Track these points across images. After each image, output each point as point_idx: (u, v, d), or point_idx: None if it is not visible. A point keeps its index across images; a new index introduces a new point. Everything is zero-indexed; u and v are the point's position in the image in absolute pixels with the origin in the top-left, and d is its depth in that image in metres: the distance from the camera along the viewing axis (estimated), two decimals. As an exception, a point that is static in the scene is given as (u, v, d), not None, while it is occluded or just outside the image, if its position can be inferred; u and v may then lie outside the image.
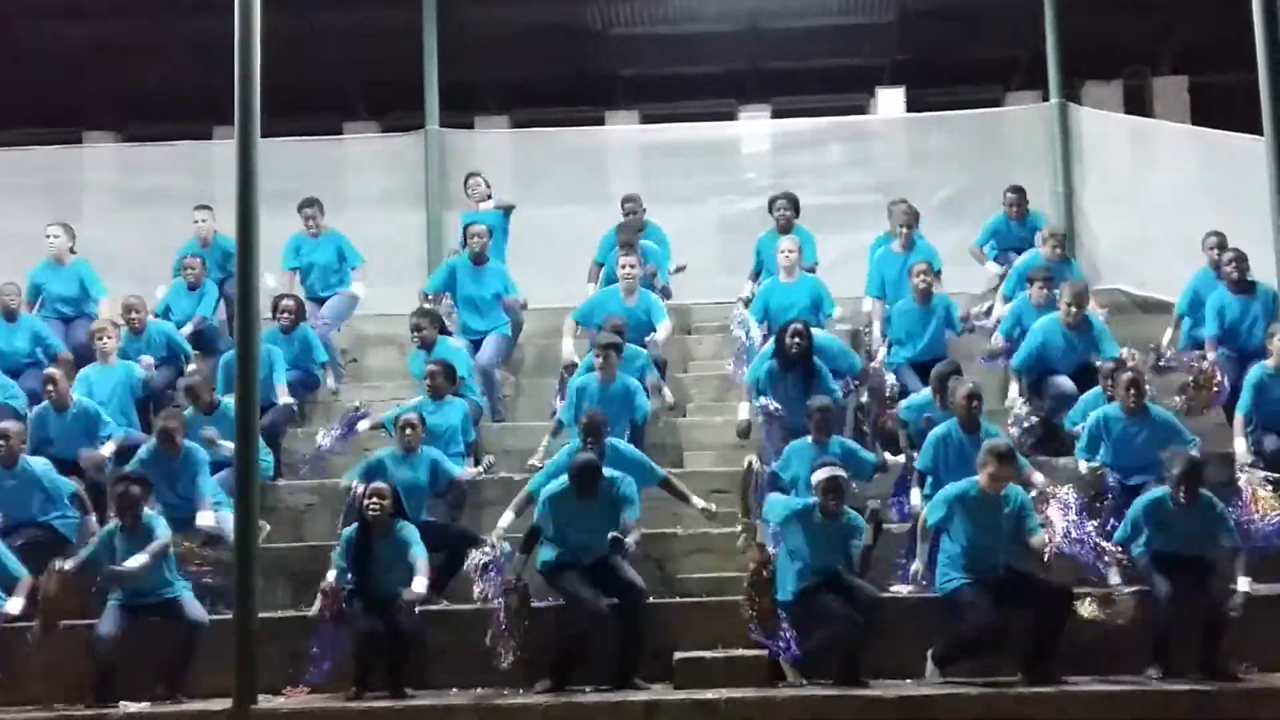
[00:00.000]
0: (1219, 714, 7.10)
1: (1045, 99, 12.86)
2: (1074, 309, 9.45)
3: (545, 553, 7.90)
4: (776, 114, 15.40)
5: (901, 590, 8.26)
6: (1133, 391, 8.45)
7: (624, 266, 10.39)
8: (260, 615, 7.48)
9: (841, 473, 7.83)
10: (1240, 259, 9.61)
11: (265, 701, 7.42)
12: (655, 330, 10.17)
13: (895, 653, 7.67)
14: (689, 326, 11.61)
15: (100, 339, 9.95)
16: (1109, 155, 12.47)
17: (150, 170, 12.79)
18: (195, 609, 7.95)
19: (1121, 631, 7.50)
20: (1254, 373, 8.94)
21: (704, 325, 11.74)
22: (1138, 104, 15.19)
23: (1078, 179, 12.38)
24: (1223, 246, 9.94)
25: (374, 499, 7.87)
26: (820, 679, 7.54)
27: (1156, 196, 11.76)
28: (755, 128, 14.45)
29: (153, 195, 12.26)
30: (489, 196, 11.43)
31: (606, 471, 7.97)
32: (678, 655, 7.68)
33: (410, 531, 7.91)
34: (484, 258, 10.61)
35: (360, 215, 11.74)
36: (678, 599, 8.31)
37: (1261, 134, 7.65)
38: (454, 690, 7.73)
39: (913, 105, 15.12)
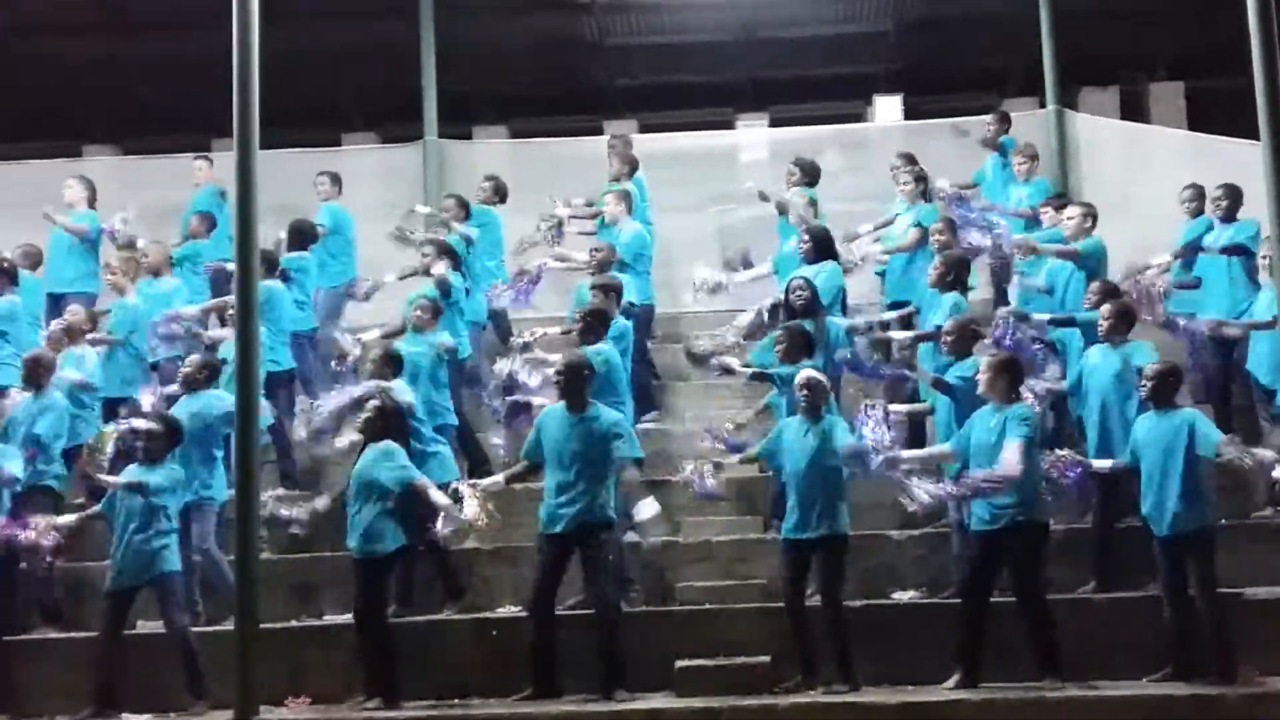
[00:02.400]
0: (1222, 717, 7.07)
1: (1042, 105, 12.91)
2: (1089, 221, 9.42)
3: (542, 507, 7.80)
4: (774, 122, 15.45)
5: (902, 597, 8.29)
6: (1111, 321, 8.26)
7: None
8: (261, 626, 7.48)
9: (817, 375, 7.83)
10: (1230, 193, 9.52)
11: (266, 713, 7.42)
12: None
13: (896, 659, 7.68)
14: (684, 335, 11.60)
15: (109, 274, 10.08)
16: (1106, 161, 12.53)
17: (150, 184, 12.80)
18: (177, 607, 7.86)
19: (1125, 634, 7.53)
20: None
21: (701, 334, 11.72)
22: (1134, 110, 15.22)
23: (1074, 185, 12.41)
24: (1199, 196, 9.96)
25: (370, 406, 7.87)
26: (822, 684, 7.54)
27: (1153, 202, 11.77)
28: (753, 136, 14.50)
29: (153, 208, 12.25)
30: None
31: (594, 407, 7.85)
32: (679, 664, 7.67)
33: (398, 453, 7.73)
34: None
35: (359, 227, 11.73)
36: (679, 607, 8.33)
37: (1258, 139, 7.66)
38: (453, 701, 7.77)
39: (910, 113, 15.15)
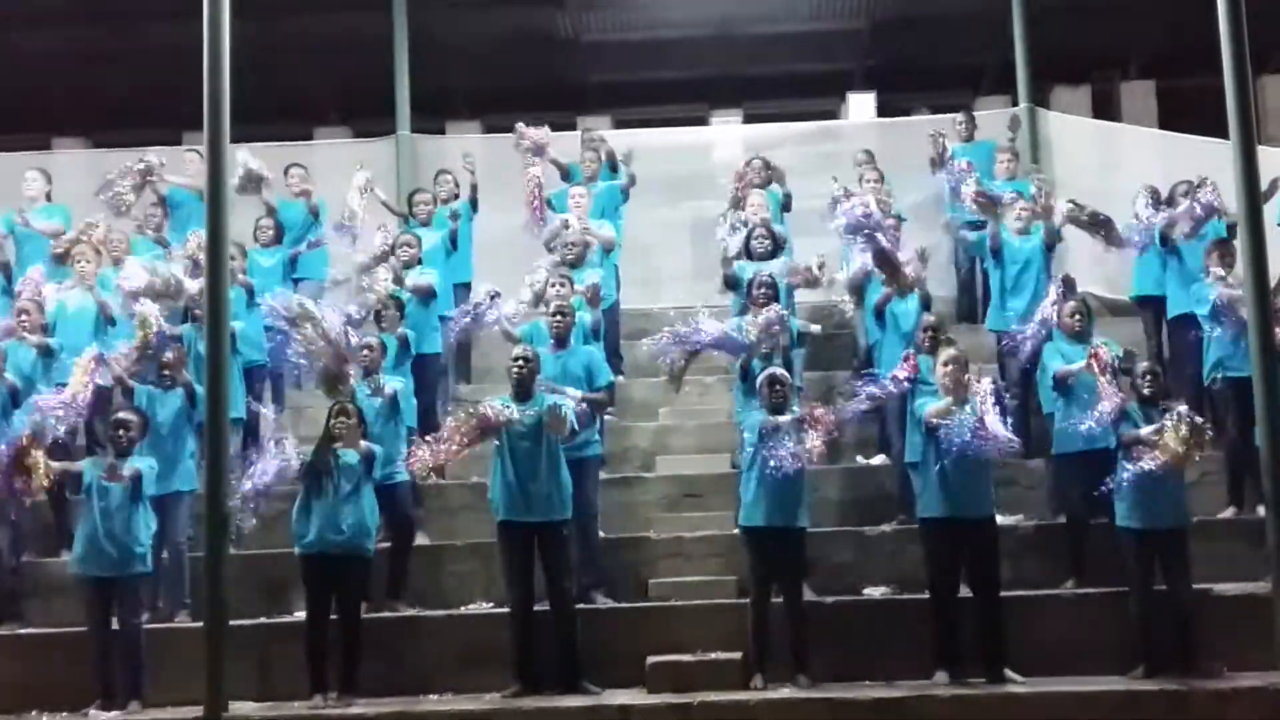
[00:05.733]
0: (1191, 714, 7.11)
1: (1014, 103, 12.94)
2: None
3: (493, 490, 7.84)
4: (748, 119, 15.45)
5: (874, 593, 8.30)
6: (1077, 317, 8.51)
7: (574, 197, 10.43)
8: (230, 622, 7.41)
9: (779, 371, 7.97)
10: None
11: (235, 709, 7.37)
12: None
13: (868, 655, 7.69)
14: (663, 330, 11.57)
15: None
16: (1077, 159, 12.56)
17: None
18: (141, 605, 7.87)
19: (1095, 631, 7.56)
20: None
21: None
22: (1106, 108, 15.29)
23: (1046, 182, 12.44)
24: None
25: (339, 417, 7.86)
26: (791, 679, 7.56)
27: (1125, 199, 11.81)
28: (727, 132, 14.49)
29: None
30: (456, 196, 11.27)
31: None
32: (651, 659, 7.67)
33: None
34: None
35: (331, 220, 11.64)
36: (651, 603, 8.32)
37: (1228, 137, 7.70)
38: (431, 696, 7.74)
39: (883, 110, 15.18)
